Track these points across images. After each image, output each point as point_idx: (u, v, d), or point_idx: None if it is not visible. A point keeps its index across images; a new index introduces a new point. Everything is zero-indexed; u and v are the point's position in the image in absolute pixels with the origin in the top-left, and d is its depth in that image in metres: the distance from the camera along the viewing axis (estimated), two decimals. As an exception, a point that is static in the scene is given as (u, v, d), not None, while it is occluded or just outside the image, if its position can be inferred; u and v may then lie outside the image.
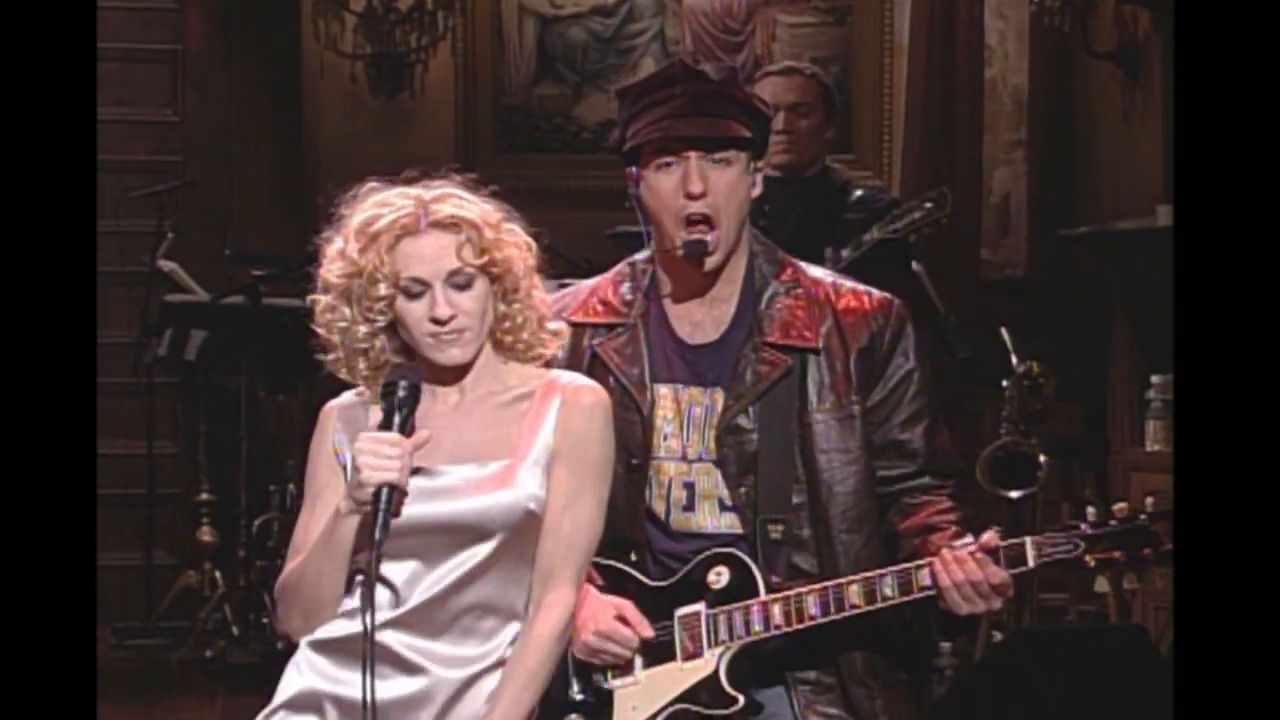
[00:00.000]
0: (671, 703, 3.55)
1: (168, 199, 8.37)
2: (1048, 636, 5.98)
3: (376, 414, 3.34)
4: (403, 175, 3.42)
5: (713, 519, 3.64)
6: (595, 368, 3.65)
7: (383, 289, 3.32)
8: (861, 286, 3.71)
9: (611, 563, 3.64)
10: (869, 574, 3.49)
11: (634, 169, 3.64)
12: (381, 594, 3.29)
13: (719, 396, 3.63)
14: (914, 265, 5.99)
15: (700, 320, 3.66)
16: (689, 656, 3.56)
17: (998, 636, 6.44)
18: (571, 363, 3.65)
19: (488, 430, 3.37)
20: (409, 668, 3.30)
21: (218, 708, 7.30)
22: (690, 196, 3.55)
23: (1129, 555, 3.32)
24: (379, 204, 3.36)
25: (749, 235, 3.68)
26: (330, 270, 3.36)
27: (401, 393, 3.27)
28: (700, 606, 3.56)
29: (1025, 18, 8.77)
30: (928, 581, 3.43)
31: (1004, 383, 6.51)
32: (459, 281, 3.31)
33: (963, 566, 3.41)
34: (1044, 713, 5.10)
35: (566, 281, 7.39)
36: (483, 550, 3.31)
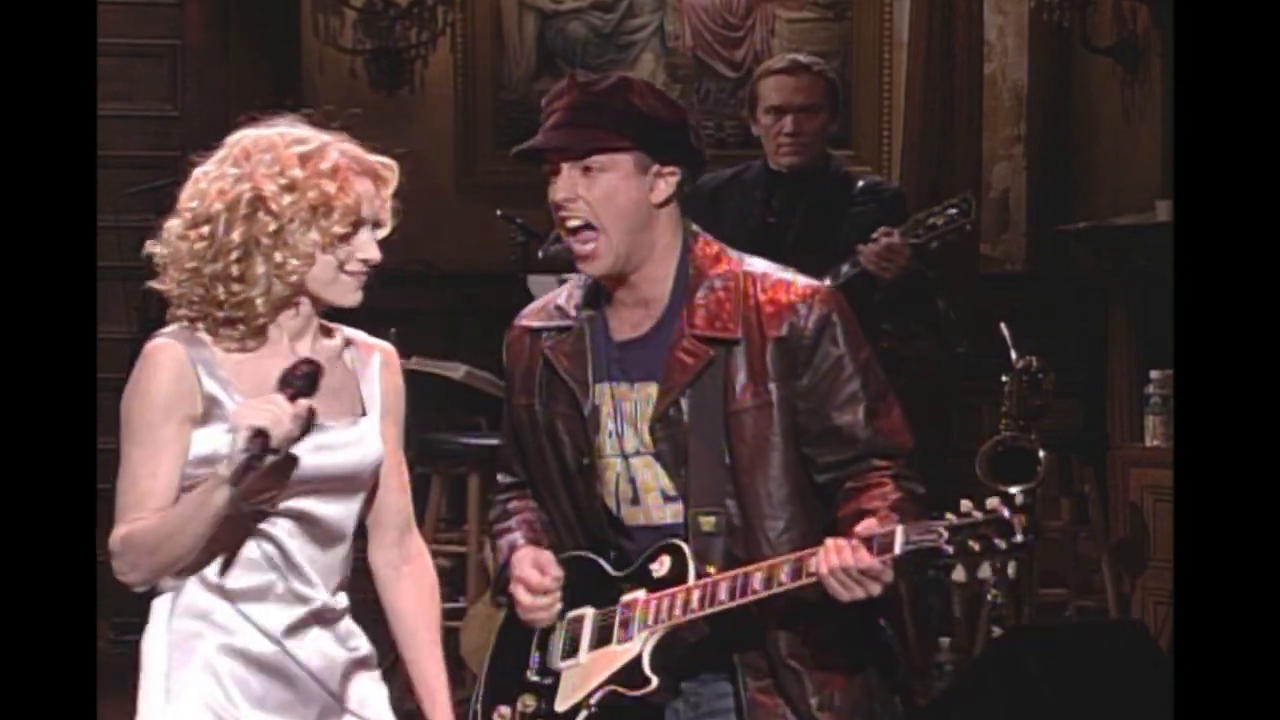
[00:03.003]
0: (602, 684, 3.64)
1: (167, 194, 8.34)
2: (1047, 632, 5.99)
3: (220, 354, 3.30)
4: (300, 114, 3.42)
5: (657, 510, 3.71)
6: (547, 371, 3.75)
7: (340, 226, 3.30)
8: (791, 276, 3.74)
9: (584, 554, 3.75)
10: (773, 560, 3.54)
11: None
12: (269, 548, 3.32)
13: (652, 390, 3.69)
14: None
15: (637, 320, 3.72)
16: (622, 640, 3.64)
17: (997, 632, 6.46)
18: (529, 366, 3.77)
19: (340, 385, 3.40)
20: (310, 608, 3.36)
21: (217, 703, 7.29)
22: (556, 205, 3.63)
23: (984, 544, 3.38)
24: (302, 138, 3.34)
25: (684, 230, 3.72)
26: (271, 198, 3.27)
27: (301, 373, 3.22)
28: (641, 593, 3.65)
29: (1025, 13, 8.78)
30: (814, 569, 3.48)
31: (1003, 378, 6.52)
32: (378, 225, 3.37)
33: (839, 554, 3.45)
34: (1043, 708, 5.10)
35: (566, 277, 7.39)
36: (356, 503, 3.40)
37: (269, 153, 3.31)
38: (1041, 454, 6.41)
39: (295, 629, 3.34)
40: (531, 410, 3.78)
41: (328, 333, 3.45)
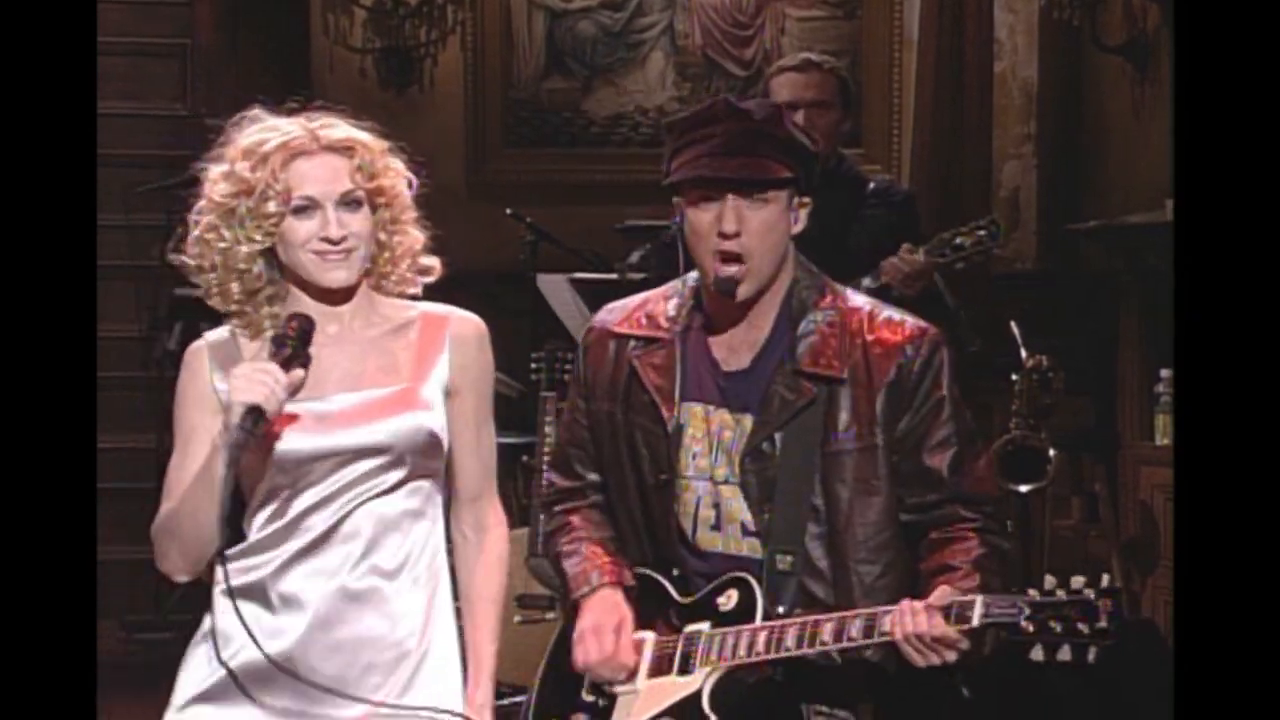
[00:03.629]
0: (658, 716, 3.60)
1: (176, 193, 8.36)
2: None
3: (250, 347, 3.39)
4: (285, 105, 3.47)
5: (736, 542, 3.67)
6: (631, 380, 3.72)
7: (272, 207, 3.34)
8: (899, 315, 3.71)
9: (648, 572, 3.70)
10: (844, 614, 3.50)
11: (676, 200, 3.70)
12: (284, 528, 3.35)
13: (748, 422, 3.66)
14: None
15: (736, 346, 3.70)
16: (682, 672, 3.61)
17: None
18: (613, 373, 3.74)
19: (371, 360, 3.41)
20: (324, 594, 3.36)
21: (227, 701, 7.30)
22: (724, 235, 3.60)
23: (1065, 628, 3.34)
24: (266, 128, 3.40)
25: (793, 263, 3.71)
26: (215, 190, 3.37)
27: (292, 332, 3.28)
28: (705, 626, 3.61)
29: (1035, 11, 8.77)
30: (888, 628, 3.44)
31: (1013, 377, 6.52)
32: (350, 201, 3.36)
33: (914, 619, 3.42)
34: (1053, 707, 5.10)
35: (576, 276, 7.39)
36: (394, 474, 3.37)
37: (229, 148, 3.39)
38: (1052, 453, 6.41)
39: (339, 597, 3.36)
40: (614, 417, 3.75)
41: (389, 310, 3.46)
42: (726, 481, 3.66)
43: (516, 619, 6.64)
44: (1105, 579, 3.38)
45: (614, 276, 6.83)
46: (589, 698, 3.69)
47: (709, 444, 3.66)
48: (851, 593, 3.58)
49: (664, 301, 3.77)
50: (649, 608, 3.67)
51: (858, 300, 3.72)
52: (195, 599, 8.72)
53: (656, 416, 3.68)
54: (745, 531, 3.65)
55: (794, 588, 3.58)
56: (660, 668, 3.63)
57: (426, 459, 3.41)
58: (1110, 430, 7.68)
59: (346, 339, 3.43)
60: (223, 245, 3.36)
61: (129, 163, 8.41)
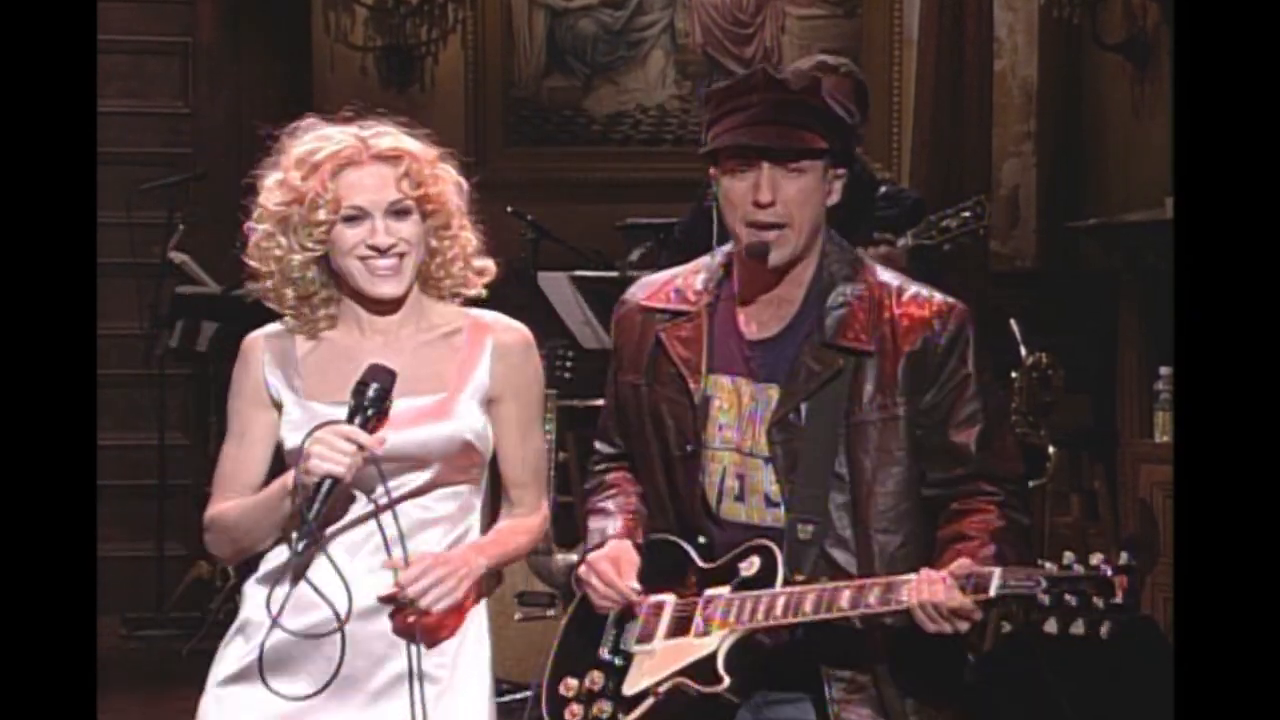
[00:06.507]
0: (673, 674, 3.62)
1: (178, 191, 8.38)
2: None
3: (303, 344, 3.51)
4: (339, 114, 3.53)
5: (759, 512, 3.69)
6: (658, 353, 3.75)
7: (322, 215, 3.43)
8: (926, 291, 3.71)
9: (673, 539, 3.73)
10: (862, 581, 3.52)
11: (713, 170, 3.70)
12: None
13: (774, 393, 3.67)
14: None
15: (766, 319, 3.71)
16: (700, 634, 3.62)
17: (1007, 628, 6.45)
18: (640, 346, 3.77)
19: (419, 366, 3.48)
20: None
21: (228, 698, 7.30)
22: (759, 204, 3.61)
23: (1080, 601, 3.35)
24: (319, 137, 3.48)
25: (824, 237, 3.72)
26: (269, 199, 3.47)
27: (370, 393, 3.37)
28: (725, 590, 3.63)
29: (1034, 10, 8.78)
30: (905, 597, 3.46)
31: (1013, 374, 6.53)
32: (398, 211, 3.44)
33: (931, 588, 3.44)
34: (1053, 704, 5.11)
35: (577, 273, 7.39)
36: (420, 477, 3.46)
37: (283, 157, 3.49)
38: (1051, 450, 6.42)
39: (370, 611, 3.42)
40: (638, 389, 3.77)
41: (436, 317, 3.53)
42: (752, 453, 3.68)
43: (517, 616, 6.65)
44: (1124, 556, 3.40)
45: (615, 274, 6.85)
46: (606, 656, 3.72)
47: (736, 415, 3.69)
48: (873, 561, 3.61)
49: (693, 276, 3.80)
50: (672, 572, 3.70)
51: (886, 275, 3.74)
52: (196, 597, 8.74)
53: (683, 388, 3.70)
54: (769, 502, 3.67)
55: (815, 556, 3.61)
56: (678, 629, 3.65)
57: (459, 466, 3.48)
58: (1110, 428, 7.69)
59: (395, 346, 3.50)
60: (278, 253, 3.47)
61: (130, 160, 8.42)
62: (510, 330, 3.56)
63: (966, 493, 3.65)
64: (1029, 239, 9.08)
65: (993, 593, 3.40)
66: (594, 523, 3.81)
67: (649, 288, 3.84)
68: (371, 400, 3.36)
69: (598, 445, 3.93)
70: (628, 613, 3.72)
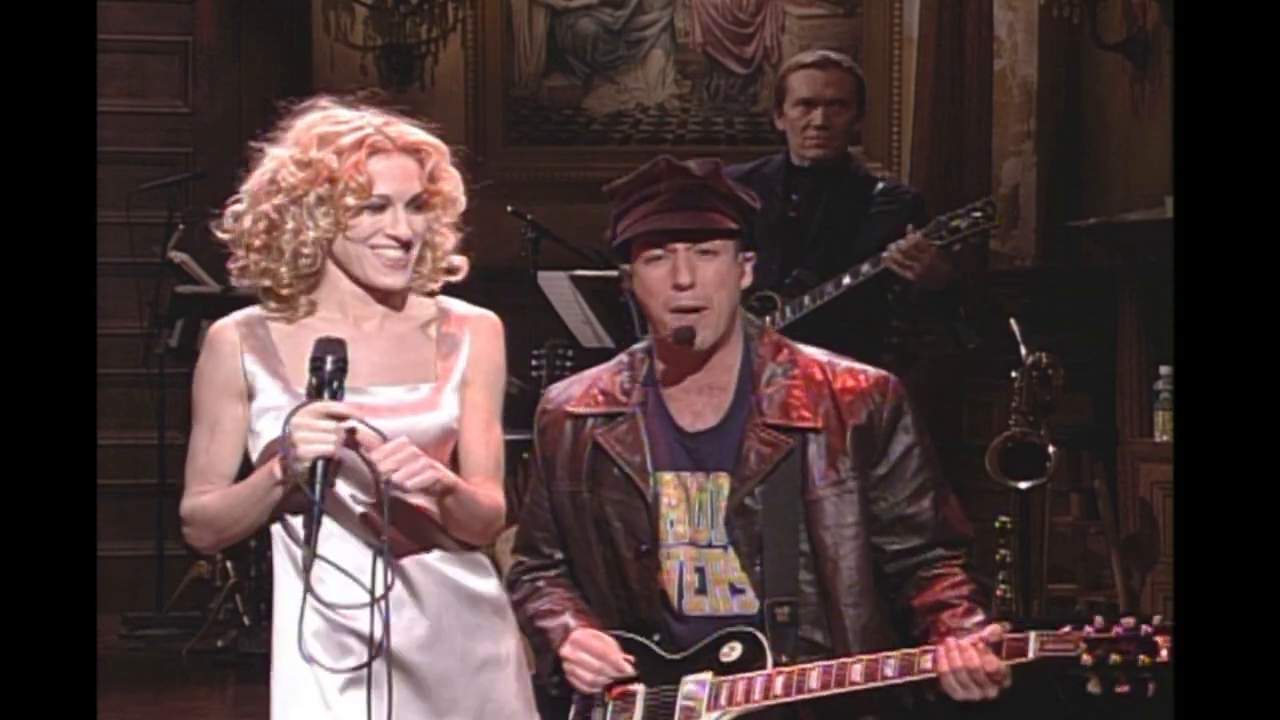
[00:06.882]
0: None
1: (178, 190, 8.38)
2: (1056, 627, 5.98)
3: (280, 330, 3.43)
4: (349, 97, 3.50)
5: (724, 602, 3.70)
6: (597, 457, 3.74)
7: (351, 200, 3.37)
8: (858, 365, 3.77)
9: (631, 635, 3.72)
10: (874, 656, 3.53)
11: (625, 266, 3.74)
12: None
13: (723, 481, 3.69)
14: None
15: (700, 408, 3.73)
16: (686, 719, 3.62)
17: (1006, 627, 6.45)
18: (574, 452, 3.76)
19: (402, 354, 3.46)
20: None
21: (228, 698, 7.32)
22: (679, 288, 3.64)
23: (1126, 662, 3.36)
24: (337, 119, 3.43)
25: (743, 321, 3.76)
26: (287, 174, 3.39)
27: (329, 367, 3.31)
28: (707, 675, 3.63)
29: (1034, 9, 8.77)
30: (929, 665, 3.47)
31: (1013, 374, 6.52)
32: (417, 204, 3.42)
33: (963, 655, 3.45)
34: (1053, 703, 5.10)
35: (577, 273, 7.39)
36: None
37: (302, 133, 3.42)
38: (1051, 449, 6.42)
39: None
40: (578, 497, 3.76)
41: (414, 308, 3.50)
42: (710, 544, 3.69)
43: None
44: (1156, 619, 3.41)
45: (615, 274, 6.84)
46: None
47: (685, 509, 3.69)
48: (845, 635, 3.63)
49: (616, 376, 3.79)
50: (634, 667, 3.68)
51: (811, 352, 3.77)
52: (196, 597, 8.75)
53: (632, 489, 3.70)
54: (734, 590, 3.68)
55: (794, 637, 3.62)
56: (658, 716, 3.64)
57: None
58: (1110, 427, 7.69)
59: (379, 334, 3.47)
60: (291, 227, 3.39)
61: (130, 160, 8.42)
62: (485, 319, 3.53)
63: (929, 560, 3.69)
64: (1029, 238, 9.08)
65: (1031, 655, 3.43)
66: (546, 623, 3.76)
67: (571, 393, 3.82)
68: (332, 373, 3.29)
69: (521, 557, 3.88)
70: (590, 709, 3.69)
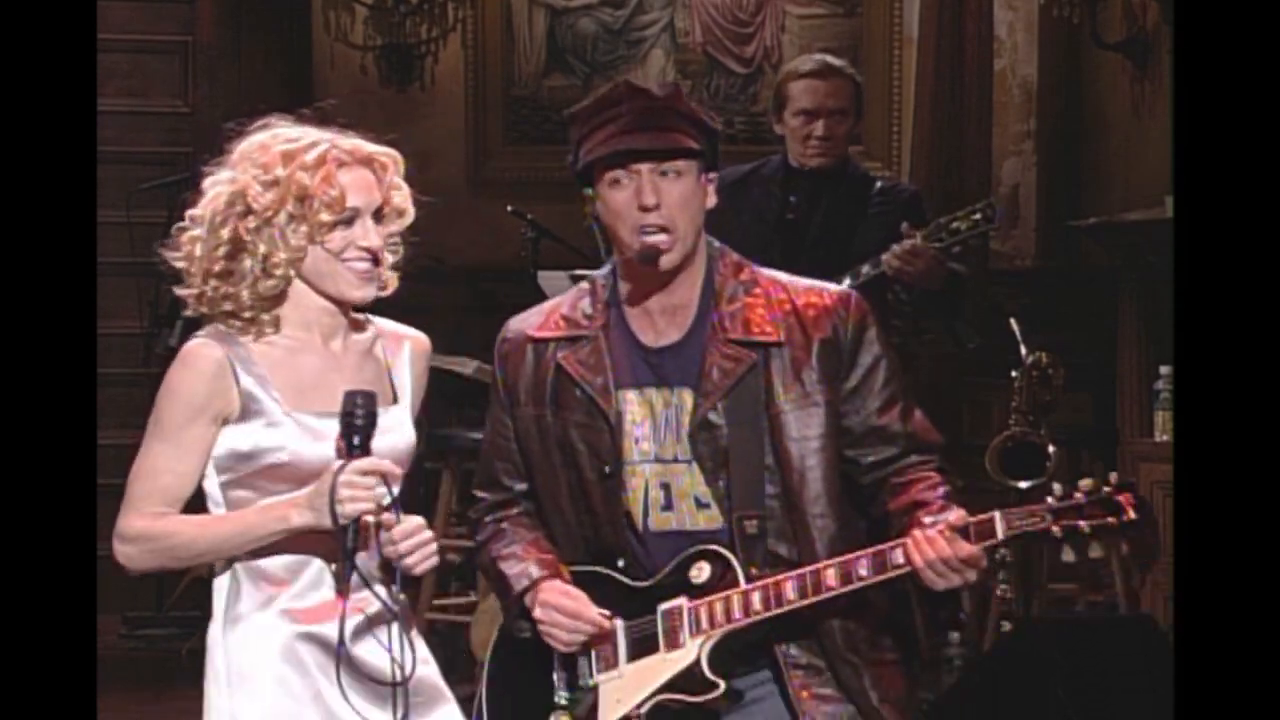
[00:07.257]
0: (655, 693, 3.62)
1: (178, 191, 8.37)
2: (1056, 627, 6.00)
3: (257, 349, 3.40)
4: (296, 114, 3.48)
5: (690, 516, 3.70)
6: (560, 380, 3.74)
7: (325, 215, 3.37)
8: (818, 283, 3.80)
9: (595, 568, 3.72)
10: (845, 557, 3.56)
11: (588, 191, 3.72)
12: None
13: (686, 396, 3.70)
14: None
15: (663, 327, 3.74)
16: (671, 648, 3.63)
17: (1006, 626, 6.45)
18: (537, 377, 3.76)
19: (363, 374, 3.47)
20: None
21: (228, 698, 7.30)
22: (644, 209, 3.64)
23: (1094, 525, 3.39)
24: (289, 137, 3.42)
25: (706, 241, 3.76)
26: (254, 195, 3.37)
27: (360, 420, 3.31)
28: (682, 600, 3.63)
29: (1034, 9, 8.77)
30: (901, 561, 3.51)
31: (1013, 373, 6.52)
32: (379, 215, 3.43)
33: (933, 545, 3.49)
34: (1053, 703, 5.11)
35: (577, 273, 7.40)
36: (395, 487, 3.39)
37: (258, 154, 3.40)
38: (1051, 449, 6.42)
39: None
40: (542, 420, 3.75)
41: (359, 326, 3.51)
42: (676, 459, 3.69)
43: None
44: (1113, 476, 3.44)
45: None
46: (564, 696, 3.70)
47: (650, 425, 3.70)
48: (814, 546, 3.64)
49: (579, 301, 3.79)
50: (602, 602, 3.69)
51: (770, 272, 3.79)
52: (196, 596, 8.75)
53: (594, 410, 3.70)
54: (699, 504, 3.69)
55: (762, 550, 3.63)
56: (642, 649, 3.65)
57: (406, 473, 3.48)
58: (1110, 426, 7.69)
59: (342, 354, 3.48)
60: (262, 250, 3.37)
61: (130, 159, 8.42)
62: (417, 337, 3.58)
63: (903, 468, 3.71)
64: (1029, 238, 9.08)
65: (1000, 535, 3.46)
66: (508, 568, 3.76)
67: (533, 320, 3.82)
68: (363, 426, 3.31)
69: (481, 494, 3.88)
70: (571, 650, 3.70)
